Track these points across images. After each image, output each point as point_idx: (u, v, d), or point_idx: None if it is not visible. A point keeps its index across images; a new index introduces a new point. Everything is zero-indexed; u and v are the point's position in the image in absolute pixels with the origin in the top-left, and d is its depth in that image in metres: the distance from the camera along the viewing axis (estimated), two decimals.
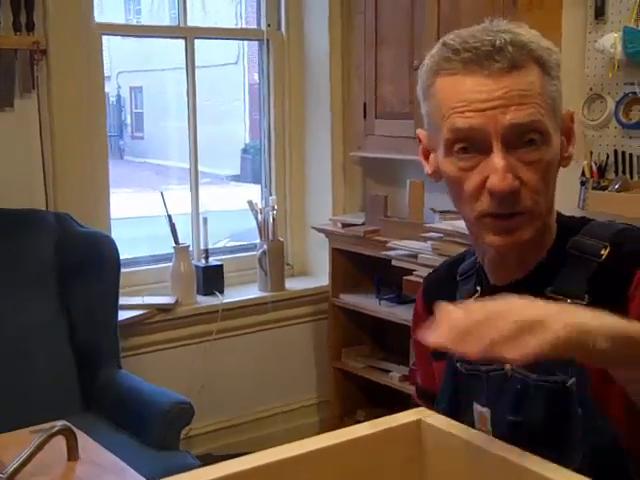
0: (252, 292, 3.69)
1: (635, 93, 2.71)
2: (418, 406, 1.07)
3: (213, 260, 3.65)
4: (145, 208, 4.07)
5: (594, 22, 2.81)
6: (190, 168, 3.69)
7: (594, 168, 2.83)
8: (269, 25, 3.82)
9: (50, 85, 3.11)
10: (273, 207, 3.66)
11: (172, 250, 3.45)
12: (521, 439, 1.06)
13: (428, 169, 1.22)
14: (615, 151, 2.81)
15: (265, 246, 3.63)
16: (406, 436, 0.88)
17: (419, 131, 1.23)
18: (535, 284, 1.16)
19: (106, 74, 3.54)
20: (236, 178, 5.05)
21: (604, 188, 2.80)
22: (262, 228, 3.65)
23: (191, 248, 3.60)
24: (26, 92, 3.07)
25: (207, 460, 0.83)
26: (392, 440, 0.87)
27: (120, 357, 2.98)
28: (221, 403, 3.58)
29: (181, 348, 3.47)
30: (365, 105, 3.49)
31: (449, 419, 0.90)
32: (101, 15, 3.51)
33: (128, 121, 5.55)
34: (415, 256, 3.10)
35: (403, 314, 3.26)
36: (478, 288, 1.25)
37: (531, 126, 1.07)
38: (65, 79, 3.14)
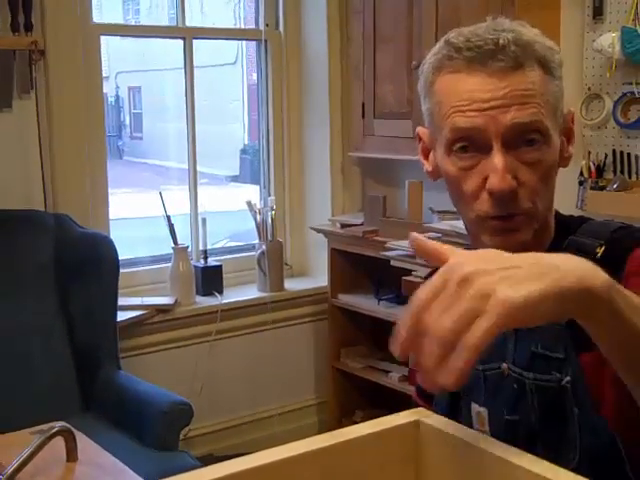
0: (251, 293, 3.69)
1: (633, 93, 2.71)
2: (418, 406, 1.07)
3: (212, 261, 3.65)
4: (144, 209, 4.07)
5: (592, 22, 2.81)
6: (189, 168, 3.69)
7: (592, 168, 2.84)
8: (267, 25, 3.82)
9: (48, 86, 3.11)
10: (272, 207, 3.66)
11: (171, 251, 3.45)
12: (518, 438, 1.06)
13: (427, 167, 1.22)
14: (613, 151, 2.81)
15: (264, 246, 3.63)
16: (404, 436, 0.87)
17: (419, 129, 1.23)
18: None
19: (105, 74, 3.54)
20: (235, 178, 5.05)
21: (602, 188, 2.81)
22: (261, 228, 3.65)
23: (190, 249, 3.60)
24: (24, 93, 3.07)
25: (206, 461, 0.83)
26: (390, 440, 0.87)
27: (119, 358, 2.98)
28: (220, 404, 3.58)
29: (180, 349, 3.47)
30: (364, 105, 3.49)
31: (447, 419, 0.89)
32: (99, 15, 3.51)
33: (127, 121, 5.55)
34: (414, 256, 3.10)
35: (402, 314, 3.26)
36: None
37: (532, 126, 1.07)
38: (63, 79, 3.14)
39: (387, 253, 3.25)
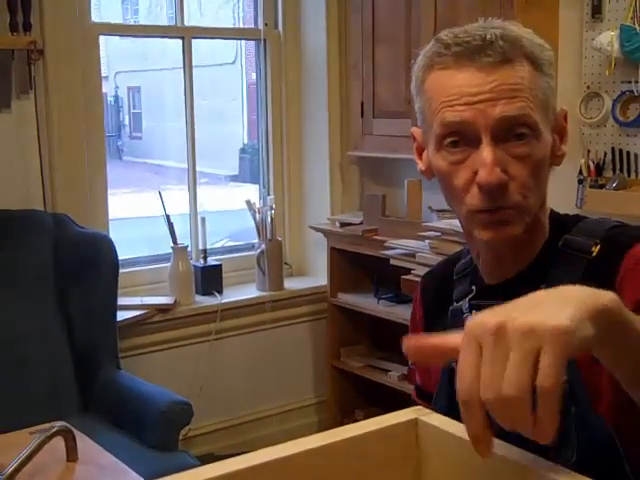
0: (250, 292, 3.69)
1: (632, 91, 2.71)
2: (418, 405, 1.07)
3: (211, 260, 3.65)
4: (143, 208, 4.07)
5: (591, 20, 2.81)
6: (188, 168, 3.69)
7: (591, 166, 2.84)
8: (266, 24, 3.81)
9: (47, 86, 3.11)
10: (271, 207, 3.66)
11: (170, 250, 3.45)
12: (516, 437, 1.06)
13: (421, 166, 1.22)
14: (612, 149, 2.81)
15: (263, 246, 3.63)
16: (403, 435, 0.88)
17: (413, 129, 1.24)
18: (528, 283, 1.16)
19: (104, 74, 3.54)
20: (234, 178, 5.05)
21: (601, 186, 2.81)
22: (260, 228, 3.65)
23: (189, 248, 3.60)
24: (23, 93, 3.06)
25: (206, 460, 0.82)
26: (389, 439, 0.87)
27: (119, 357, 2.99)
28: (220, 403, 3.58)
29: (180, 348, 3.47)
30: (362, 104, 3.49)
31: (446, 418, 0.90)
32: (98, 15, 3.51)
33: (126, 121, 5.55)
34: (413, 255, 3.11)
35: (401, 313, 3.26)
36: (473, 288, 1.25)
37: (521, 120, 1.08)
38: (62, 79, 3.14)
39: (386, 252, 3.25)
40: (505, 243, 1.15)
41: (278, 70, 3.85)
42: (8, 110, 3.07)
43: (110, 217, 3.43)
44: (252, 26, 3.92)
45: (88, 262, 2.96)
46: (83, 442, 1.92)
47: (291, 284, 3.81)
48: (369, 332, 3.79)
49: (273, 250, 3.65)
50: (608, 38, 2.69)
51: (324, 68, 3.76)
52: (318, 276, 3.86)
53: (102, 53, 3.42)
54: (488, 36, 1.07)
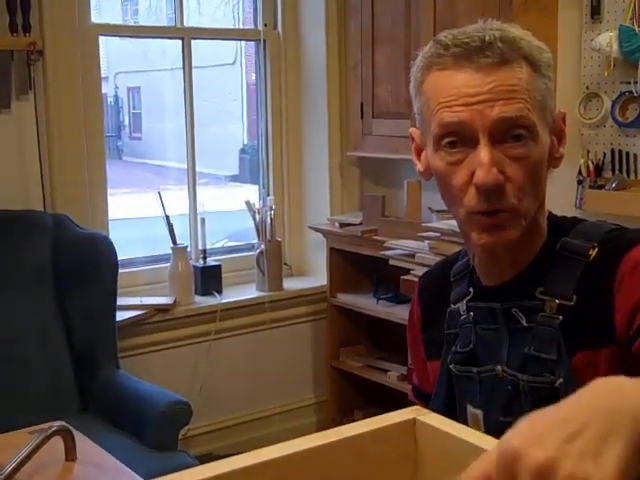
0: (250, 292, 3.69)
1: (631, 92, 2.71)
2: (414, 405, 1.08)
3: (211, 260, 3.65)
4: (143, 209, 4.07)
5: (590, 21, 2.81)
6: (188, 168, 3.69)
7: (591, 167, 2.84)
8: (266, 25, 3.82)
9: (47, 86, 3.11)
10: (271, 207, 3.66)
11: (170, 251, 3.45)
12: None
13: (419, 167, 1.22)
14: (612, 150, 2.81)
15: (263, 246, 3.63)
16: (401, 434, 0.88)
17: (412, 130, 1.24)
18: (526, 285, 1.17)
19: (104, 75, 3.55)
20: (234, 178, 5.05)
21: (601, 187, 2.81)
22: (260, 228, 3.65)
23: (189, 248, 3.60)
24: (23, 93, 3.07)
25: (205, 460, 0.83)
26: (387, 439, 0.87)
27: (118, 357, 2.99)
28: (219, 403, 3.59)
29: (179, 348, 3.47)
30: (362, 105, 3.49)
31: (444, 417, 0.90)
32: (98, 15, 3.51)
33: (126, 122, 5.55)
34: (412, 256, 3.11)
35: (401, 313, 3.26)
36: (471, 289, 1.25)
37: (518, 121, 1.08)
38: (62, 80, 3.14)
39: (386, 252, 3.25)
40: (502, 246, 1.15)
41: (278, 71, 3.85)
42: (8, 111, 3.07)
43: (110, 217, 3.43)
44: (252, 27, 3.93)
45: (88, 262, 2.96)
46: (82, 442, 1.92)
47: (290, 284, 3.81)
48: (368, 332, 3.79)
49: (272, 250, 3.65)
50: (607, 39, 2.69)
51: (324, 69, 3.76)
52: (317, 276, 3.86)
53: (102, 54, 3.42)
54: (487, 37, 1.08)
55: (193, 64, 3.64)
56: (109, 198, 3.44)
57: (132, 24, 4.32)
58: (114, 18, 4.11)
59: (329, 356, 3.76)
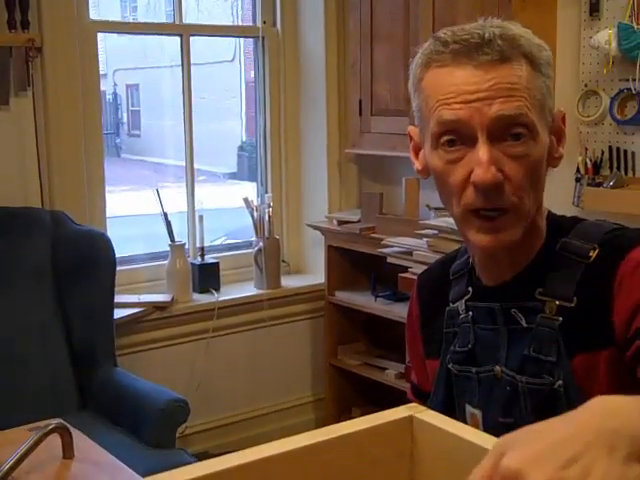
0: (248, 290, 3.69)
1: (630, 89, 2.71)
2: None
3: (209, 258, 3.65)
4: (141, 206, 4.07)
5: (589, 19, 2.81)
6: (186, 166, 3.69)
7: (589, 164, 2.84)
8: (264, 22, 3.81)
9: (45, 83, 3.11)
10: (269, 205, 3.66)
11: (168, 248, 3.45)
12: None
13: (417, 166, 1.21)
14: (610, 147, 2.81)
15: (261, 244, 3.63)
16: (398, 432, 0.88)
17: (410, 128, 1.23)
18: (525, 285, 1.16)
19: (102, 72, 3.54)
20: (232, 176, 5.05)
21: (599, 184, 2.81)
22: (258, 226, 3.65)
23: (187, 246, 3.60)
24: (21, 90, 3.06)
25: (203, 458, 0.83)
26: (384, 436, 0.87)
27: (116, 355, 2.99)
28: (217, 401, 3.58)
29: (177, 346, 3.47)
30: (360, 102, 3.49)
31: (441, 415, 0.90)
32: (96, 12, 3.50)
33: (124, 119, 5.55)
34: (410, 253, 3.11)
35: (399, 311, 3.27)
36: (470, 289, 1.25)
37: (517, 119, 1.07)
38: (60, 77, 3.13)
39: (384, 250, 3.25)
40: (502, 248, 1.14)
41: (276, 68, 3.85)
42: (6, 107, 3.06)
43: (108, 215, 3.43)
44: (250, 24, 3.92)
45: (86, 260, 2.96)
46: (79, 439, 1.92)
47: (288, 282, 3.81)
48: (366, 330, 3.79)
49: (271, 248, 3.65)
50: (606, 36, 2.69)
51: (322, 66, 3.75)
52: (315, 274, 3.86)
53: (100, 50, 3.41)
54: (486, 34, 1.07)
55: (192, 61, 3.63)
56: (107, 195, 3.44)
57: (131, 21, 4.32)
58: (113, 15, 4.11)
59: (327, 354, 3.76)
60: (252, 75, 4.08)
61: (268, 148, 3.91)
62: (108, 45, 4.03)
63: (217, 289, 3.58)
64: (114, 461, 1.89)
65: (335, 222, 3.66)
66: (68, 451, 1.84)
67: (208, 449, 3.49)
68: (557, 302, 1.13)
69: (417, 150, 1.22)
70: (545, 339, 1.13)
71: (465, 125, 1.07)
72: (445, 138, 1.10)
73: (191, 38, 3.62)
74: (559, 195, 2.69)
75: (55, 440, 1.81)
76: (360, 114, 3.50)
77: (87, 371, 2.90)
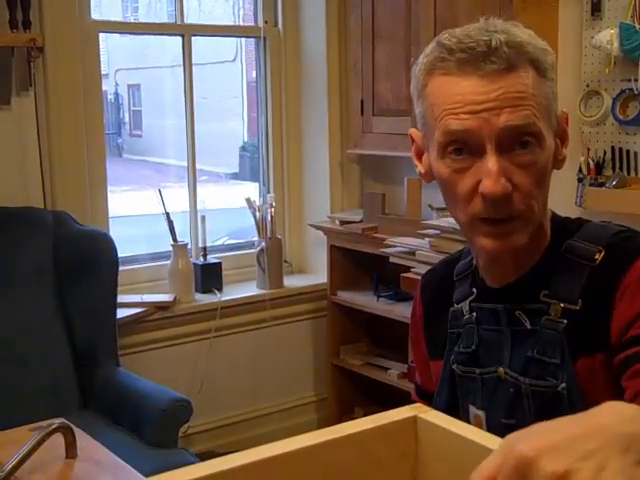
0: (250, 290, 3.69)
1: (632, 89, 2.71)
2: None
3: (211, 258, 3.65)
4: (143, 206, 4.07)
5: (590, 18, 2.81)
6: (188, 166, 3.69)
7: (591, 165, 2.84)
8: (266, 22, 3.81)
9: (47, 83, 3.11)
10: (271, 205, 3.66)
11: (170, 248, 3.45)
12: None
13: (421, 169, 1.21)
14: (612, 147, 2.81)
15: (263, 244, 3.63)
16: (402, 432, 0.88)
17: (412, 130, 1.22)
18: (530, 287, 1.16)
19: (104, 72, 3.54)
20: (234, 176, 5.05)
21: (601, 184, 2.81)
22: (260, 226, 3.65)
23: (189, 246, 3.60)
24: (23, 90, 3.06)
25: (205, 458, 0.83)
26: (388, 436, 0.87)
27: (118, 355, 2.99)
28: (219, 401, 3.58)
29: (179, 346, 3.47)
30: (362, 102, 3.49)
31: (445, 415, 0.90)
32: (98, 12, 3.51)
33: (126, 119, 5.54)
34: (413, 253, 3.10)
35: (401, 311, 3.27)
36: (474, 290, 1.25)
37: (526, 128, 1.06)
38: (62, 77, 3.13)
39: (386, 250, 3.25)
40: (508, 252, 1.14)
41: (278, 68, 3.85)
42: (8, 107, 3.07)
43: (110, 215, 3.43)
44: (252, 24, 3.92)
45: (88, 260, 2.96)
46: (82, 439, 1.92)
47: (291, 282, 3.81)
48: (369, 330, 3.79)
49: (273, 248, 3.65)
50: (608, 36, 2.69)
51: (324, 66, 3.75)
52: (318, 274, 3.86)
53: (102, 51, 3.41)
54: (493, 42, 1.05)
55: (193, 61, 3.63)
56: (109, 195, 3.44)
57: (132, 21, 4.32)
58: (114, 15, 4.11)
59: (329, 354, 3.76)
60: (254, 75, 4.08)
61: (270, 148, 3.91)
62: (110, 45, 4.03)
63: (219, 289, 3.58)
64: (117, 461, 1.89)
65: (337, 222, 3.66)
66: (71, 451, 1.84)
67: (211, 449, 3.49)
68: (562, 304, 1.12)
69: (420, 153, 1.21)
70: (549, 341, 1.12)
71: (473, 135, 1.06)
72: (452, 147, 1.09)
73: (192, 38, 3.62)
74: (561, 195, 2.69)
75: (58, 440, 1.81)
76: (362, 114, 3.50)
77: (89, 371, 2.90)
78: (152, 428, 2.63)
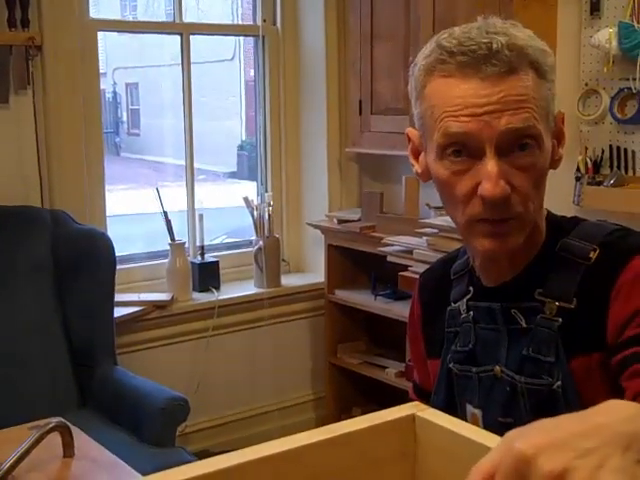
0: (248, 288, 3.68)
1: (630, 88, 2.71)
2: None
3: (209, 257, 3.65)
4: (141, 205, 4.07)
5: (589, 17, 2.81)
6: (186, 165, 3.69)
7: (589, 163, 2.84)
8: (264, 21, 3.81)
9: (45, 81, 3.10)
10: (269, 204, 3.66)
11: (168, 247, 3.45)
12: None
13: (417, 169, 1.20)
14: (610, 146, 2.81)
15: (261, 242, 3.63)
16: (400, 431, 0.87)
17: (409, 130, 1.22)
18: (525, 286, 1.16)
19: (102, 70, 3.54)
20: (232, 175, 5.05)
21: (599, 183, 2.81)
22: (258, 225, 3.65)
23: (187, 245, 3.60)
24: (21, 88, 3.06)
25: (203, 457, 0.82)
26: (386, 435, 0.87)
27: (116, 354, 2.99)
28: (217, 400, 3.58)
29: (177, 345, 3.47)
30: (361, 101, 3.49)
31: (444, 413, 0.89)
32: (96, 11, 3.50)
33: (124, 118, 5.54)
34: (411, 252, 3.11)
35: (399, 310, 3.27)
36: (470, 289, 1.25)
37: (526, 131, 1.06)
38: (60, 75, 3.13)
39: (384, 249, 3.25)
40: (504, 253, 1.14)
41: (276, 67, 3.85)
42: (6, 106, 3.06)
43: (108, 214, 3.43)
44: (250, 22, 3.92)
45: (85, 259, 2.96)
46: (80, 438, 1.92)
47: (289, 281, 3.81)
48: (366, 329, 3.79)
49: (271, 247, 3.65)
50: (606, 35, 2.69)
51: (322, 65, 3.75)
52: (316, 273, 3.86)
53: (100, 49, 3.41)
54: (494, 45, 1.05)
55: (191, 60, 3.63)
56: (107, 194, 3.43)
57: (131, 19, 4.32)
58: (113, 13, 4.10)
59: (327, 352, 3.76)
60: (252, 74, 4.08)
61: (268, 147, 3.91)
62: (108, 44, 4.03)
63: (217, 288, 3.58)
64: (114, 459, 1.89)
65: (335, 221, 3.66)
66: (68, 450, 1.84)
67: (208, 448, 3.49)
68: (557, 303, 1.13)
69: (416, 153, 1.21)
70: (544, 340, 1.13)
71: (473, 138, 1.06)
72: (451, 149, 1.09)
73: (191, 37, 3.62)
74: (559, 194, 2.69)
75: (55, 438, 1.81)
76: (360, 113, 3.50)
77: (87, 370, 2.90)
78: (150, 427, 2.63)
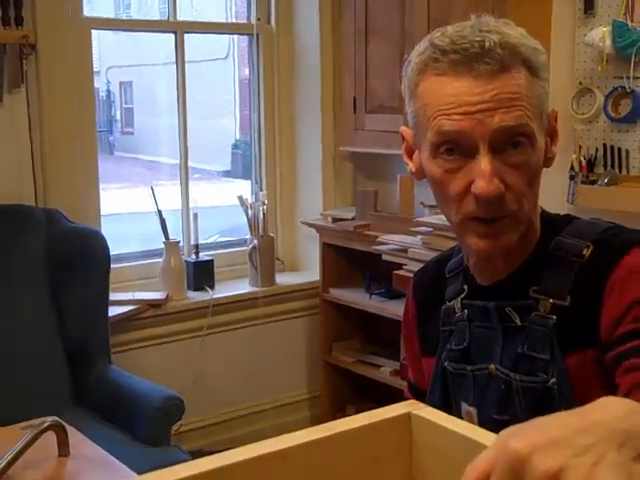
0: (242, 287, 3.68)
1: (624, 87, 2.72)
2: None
3: (203, 255, 3.64)
4: (135, 204, 4.07)
5: (583, 16, 2.81)
6: (180, 163, 3.68)
7: (583, 162, 2.84)
8: (259, 19, 3.80)
9: (39, 80, 3.10)
10: (263, 202, 3.65)
11: (162, 246, 3.44)
12: None
13: (411, 167, 1.21)
14: (604, 145, 2.82)
15: (255, 241, 3.63)
16: (396, 429, 0.88)
17: (403, 129, 1.22)
18: (519, 284, 1.17)
19: (96, 69, 3.53)
20: (227, 174, 5.05)
21: (593, 182, 2.81)
22: (252, 223, 3.64)
23: (181, 243, 3.60)
24: (15, 87, 3.05)
25: (198, 455, 0.82)
26: (382, 433, 0.87)
27: (111, 353, 2.98)
28: (212, 398, 3.58)
29: (172, 344, 3.47)
30: (355, 99, 3.49)
31: (439, 411, 0.90)
32: (90, 9, 3.50)
33: (118, 116, 5.54)
34: (405, 250, 3.11)
35: (393, 308, 3.27)
36: (465, 287, 1.25)
37: (519, 129, 1.06)
38: (54, 74, 3.12)
39: (378, 247, 3.25)
40: (498, 252, 1.14)
41: (271, 65, 3.84)
42: (0, 104, 3.06)
43: (102, 212, 3.42)
44: (245, 21, 3.92)
45: (80, 258, 2.95)
46: (75, 437, 1.92)
47: (283, 279, 3.81)
48: (361, 327, 3.79)
49: (265, 245, 3.65)
50: (600, 34, 2.69)
51: (317, 63, 3.75)
52: (310, 271, 3.86)
53: (94, 48, 3.40)
54: (487, 43, 1.05)
55: (186, 58, 3.62)
56: (101, 193, 3.43)
57: (124, 18, 4.31)
58: (106, 12, 4.10)
59: (322, 351, 3.76)
60: (246, 72, 4.07)
61: (262, 146, 3.91)
62: (102, 42, 4.02)
63: (212, 287, 3.58)
64: (109, 458, 1.89)
65: (330, 219, 3.66)
66: (63, 449, 1.84)
67: (203, 446, 3.49)
68: (551, 301, 1.13)
69: (410, 151, 1.21)
70: (539, 337, 1.13)
71: (466, 136, 1.06)
72: (444, 147, 1.09)
73: (185, 35, 3.61)
74: (553, 192, 2.69)
75: (50, 438, 1.81)
76: (355, 111, 3.50)
77: (81, 369, 2.89)
78: (145, 426, 2.63)
